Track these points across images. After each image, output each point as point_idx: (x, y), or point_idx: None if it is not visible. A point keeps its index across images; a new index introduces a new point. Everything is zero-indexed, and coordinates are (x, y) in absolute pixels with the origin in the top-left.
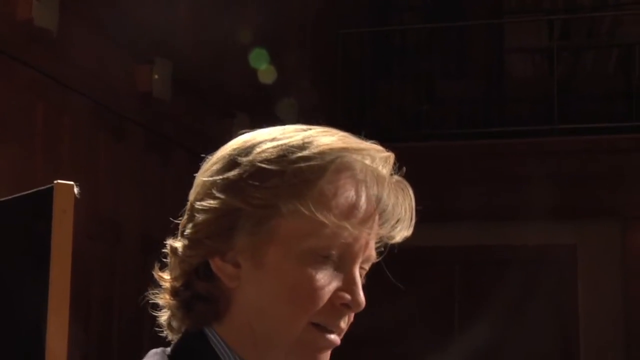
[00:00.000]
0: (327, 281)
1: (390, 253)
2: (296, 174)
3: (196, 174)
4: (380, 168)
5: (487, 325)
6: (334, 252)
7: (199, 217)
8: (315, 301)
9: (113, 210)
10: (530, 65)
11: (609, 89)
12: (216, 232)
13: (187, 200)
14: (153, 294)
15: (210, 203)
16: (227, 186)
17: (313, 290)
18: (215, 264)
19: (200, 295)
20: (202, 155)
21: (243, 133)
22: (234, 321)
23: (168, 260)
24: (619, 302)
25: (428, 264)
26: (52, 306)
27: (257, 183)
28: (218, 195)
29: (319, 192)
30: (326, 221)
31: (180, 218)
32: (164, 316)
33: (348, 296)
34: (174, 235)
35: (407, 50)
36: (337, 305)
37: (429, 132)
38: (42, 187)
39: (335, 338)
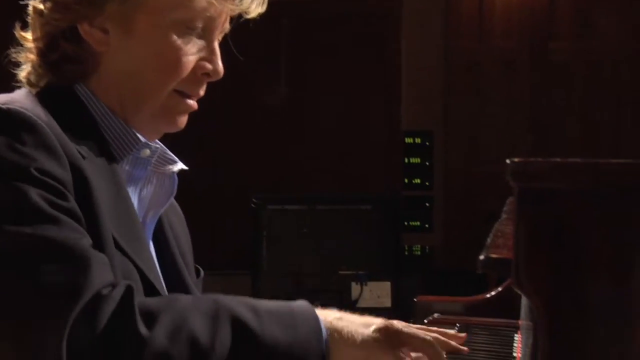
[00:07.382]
0: (191, 50)
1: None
2: None
3: None
4: None
5: (313, 85)
6: (199, 25)
7: None
8: (180, 68)
9: None
10: None
11: None
12: None
13: None
14: (14, 52)
15: None
16: None
17: (179, 58)
18: (83, 28)
19: (67, 56)
20: None
21: None
22: (102, 82)
23: (30, 21)
24: (440, 56)
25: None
26: None
27: None
28: None
29: None
30: None
31: None
32: (23, 72)
33: (209, 65)
34: None
35: None
36: (198, 75)
37: None
38: None
39: (193, 104)
